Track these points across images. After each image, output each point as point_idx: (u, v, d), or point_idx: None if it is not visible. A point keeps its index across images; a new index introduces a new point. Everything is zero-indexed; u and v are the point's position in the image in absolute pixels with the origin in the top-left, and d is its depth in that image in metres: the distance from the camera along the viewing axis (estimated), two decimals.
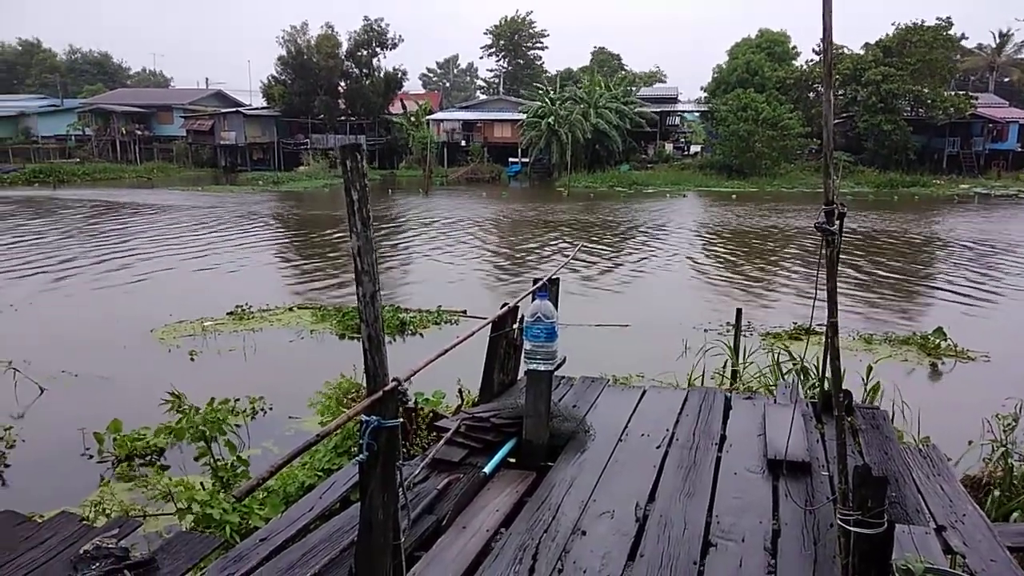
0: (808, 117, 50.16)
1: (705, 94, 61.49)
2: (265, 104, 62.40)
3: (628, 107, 53.90)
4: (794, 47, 57.66)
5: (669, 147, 58.80)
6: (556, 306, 5.05)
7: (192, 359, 10.63)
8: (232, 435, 6.40)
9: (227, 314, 13.03)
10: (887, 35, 51.66)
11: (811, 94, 53.62)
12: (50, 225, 27.22)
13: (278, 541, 3.87)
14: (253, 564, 3.64)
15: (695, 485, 4.50)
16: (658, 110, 57.68)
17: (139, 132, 62.37)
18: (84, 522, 4.33)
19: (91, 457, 7.32)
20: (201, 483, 5.76)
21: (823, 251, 3.35)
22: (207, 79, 78.28)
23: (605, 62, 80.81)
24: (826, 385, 5.73)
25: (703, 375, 8.69)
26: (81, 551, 3.74)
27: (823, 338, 3.91)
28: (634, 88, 58.60)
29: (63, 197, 38.63)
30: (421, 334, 12.04)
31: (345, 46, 60.03)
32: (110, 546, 3.74)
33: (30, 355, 9.96)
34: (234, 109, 61.95)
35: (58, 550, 3.91)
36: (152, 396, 8.02)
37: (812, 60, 55.35)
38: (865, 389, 7.62)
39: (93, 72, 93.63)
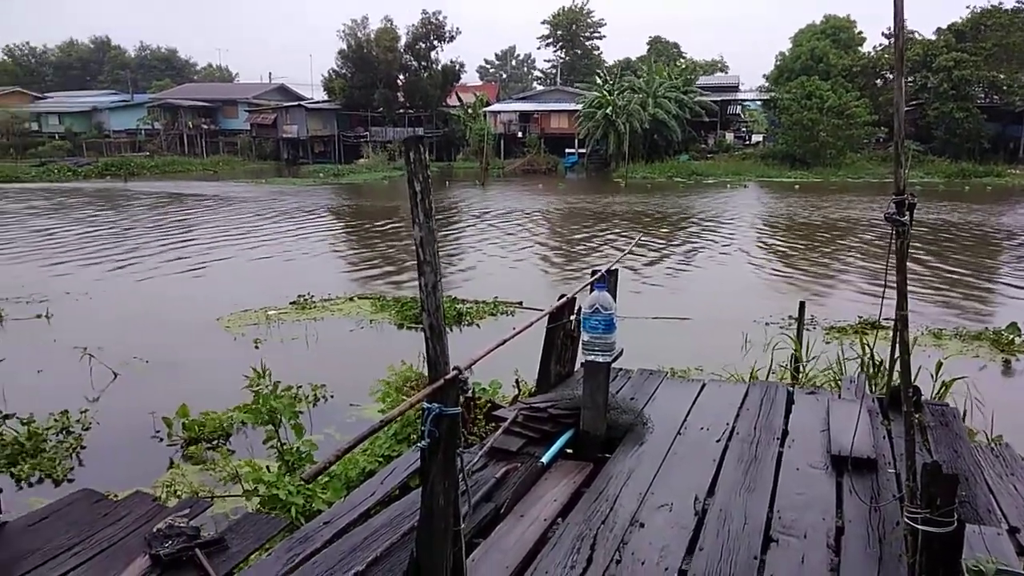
0: (875, 105, 48.64)
1: (767, 82, 60.17)
2: (326, 97, 63.49)
3: (688, 96, 53.14)
4: (860, 33, 55.97)
5: (730, 136, 57.77)
6: (614, 297, 5.03)
7: (256, 347, 10.91)
8: (293, 420, 6.56)
9: (290, 303, 13.34)
10: (961, 19, 49.71)
11: (879, 81, 52.00)
12: (121, 216, 28.25)
13: (341, 524, 3.97)
14: (318, 545, 3.74)
15: (756, 480, 4.44)
16: (718, 99, 56.75)
17: (205, 126, 64.16)
18: (157, 502, 4.51)
19: (161, 440, 7.59)
20: (267, 466, 5.93)
21: (893, 243, 3.26)
22: (270, 73, 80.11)
23: (663, 51, 79.67)
24: (894, 380, 5.58)
25: (767, 370, 8.53)
26: (155, 529, 3.90)
27: (890, 332, 3.81)
28: (694, 77, 57.71)
29: (133, 189, 40.02)
30: (477, 325, 12.12)
31: (404, 39, 60.60)
32: (182, 525, 3.89)
33: (103, 341, 10.36)
34: (296, 103, 63.20)
35: (133, 528, 4.08)
36: (218, 383, 8.33)
37: (880, 46, 53.69)
38: (934, 385, 7.38)
39: (161, 68, 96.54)
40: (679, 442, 5.02)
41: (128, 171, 50.00)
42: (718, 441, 5.01)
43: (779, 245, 21.46)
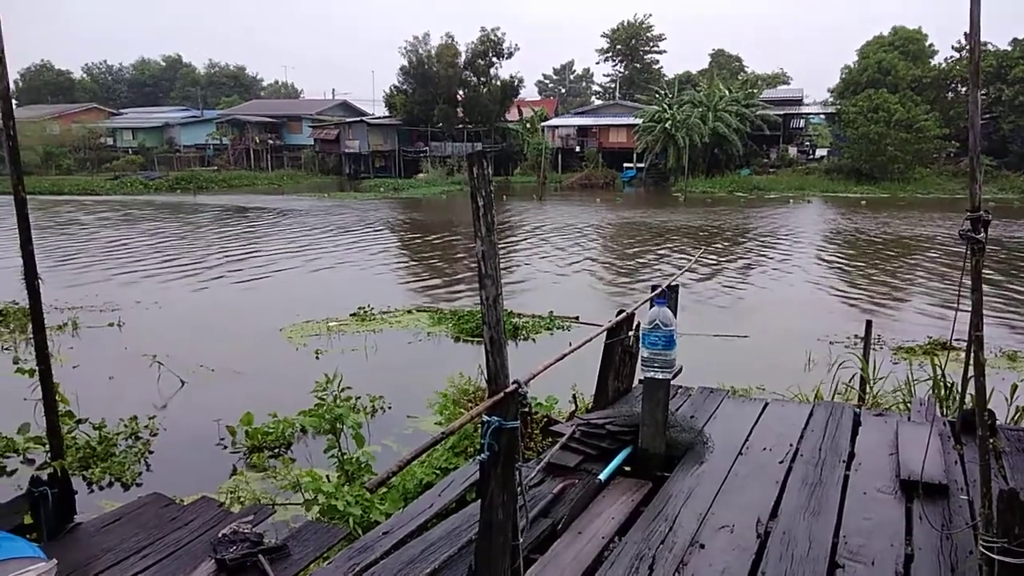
0: (946, 118, 47.17)
1: (832, 95, 58.92)
2: (387, 113, 64.62)
3: (749, 110, 52.41)
4: (931, 45, 54.39)
5: (793, 151, 56.70)
6: (675, 313, 4.98)
7: (317, 357, 11.11)
8: (354, 430, 6.65)
9: (350, 315, 13.56)
10: None
11: (950, 94, 50.43)
12: (189, 229, 29.20)
13: (400, 535, 4.00)
14: (377, 556, 3.78)
15: (821, 503, 4.32)
16: (781, 112, 55.81)
17: (271, 141, 65.98)
18: (222, 507, 4.62)
19: (225, 447, 7.78)
20: (327, 476, 6.02)
21: (967, 260, 3.16)
22: (334, 90, 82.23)
23: (725, 64, 78.81)
24: (967, 403, 5.38)
25: (832, 390, 8.31)
26: (220, 534, 3.99)
27: (962, 354, 3.67)
28: (756, 90, 56.92)
29: (201, 203, 41.33)
30: (533, 339, 12.11)
31: (464, 56, 61.34)
32: (246, 531, 3.98)
33: (171, 349, 10.68)
34: (358, 118, 64.51)
35: (199, 532, 4.19)
36: (281, 392, 8.51)
37: (951, 58, 52.06)
38: (1009, 409, 7.07)
39: (230, 85, 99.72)
40: (741, 462, 4.92)
41: (197, 185, 51.67)
42: (781, 462, 4.90)
43: (844, 262, 20.92)
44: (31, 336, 11.63)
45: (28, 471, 7.09)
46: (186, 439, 8.10)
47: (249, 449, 7.60)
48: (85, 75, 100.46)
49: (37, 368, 4.39)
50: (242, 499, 6.19)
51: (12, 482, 6.93)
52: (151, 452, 7.65)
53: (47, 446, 7.30)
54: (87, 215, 34.17)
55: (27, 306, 12.12)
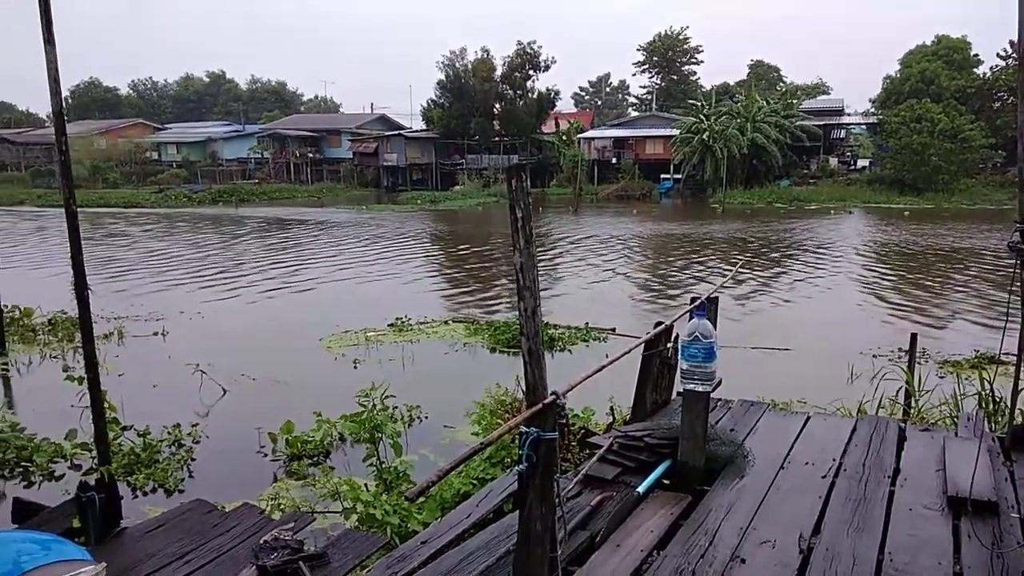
0: (992, 128, 46.10)
1: (873, 105, 58.03)
2: (424, 126, 65.23)
3: (789, 120, 51.84)
4: (976, 55, 53.25)
5: (833, 161, 55.92)
6: (714, 325, 4.93)
7: (355, 367, 11.21)
8: (392, 439, 6.69)
9: (388, 325, 13.67)
10: None
11: (996, 103, 49.30)
12: (231, 240, 29.74)
13: (438, 545, 4.02)
14: (415, 565, 3.79)
15: (865, 519, 4.23)
16: (821, 123, 55.12)
17: (311, 155, 66.98)
18: (263, 514, 4.68)
19: (265, 455, 7.87)
20: (365, 484, 6.06)
21: (1016, 273, 3.08)
22: (372, 104, 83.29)
23: (763, 75, 78.21)
24: (1017, 418, 5.24)
25: (876, 404, 8.14)
26: (261, 541, 4.05)
27: (1011, 368, 3.58)
28: (795, 101, 56.30)
29: (243, 215, 42.08)
30: (569, 350, 12.09)
31: (500, 69, 61.71)
32: (287, 538, 4.02)
33: (214, 358, 10.86)
34: (396, 132, 65.22)
35: (241, 538, 4.25)
36: (320, 401, 8.57)
37: (997, 67, 50.93)
38: None
39: (271, 100, 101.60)
40: (782, 477, 4.84)
41: (239, 198, 52.62)
42: (824, 477, 4.81)
43: (887, 274, 20.53)
44: (79, 345, 11.99)
45: (75, 476, 7.26)
46: (227, 447, 8.22)
47: (289, 457, 7.69)
48: (131, 91, 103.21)
49: (86, 376, 4.51)
50: (282, 506, 6.26)
51: (60, 487, 7.10)
52: (193, 459, 7.78)
53: (93, 452, 7.49)
54: (132, 227, 35.01)
55: (74, 315, 12.47)
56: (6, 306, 12.61)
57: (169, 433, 8.18)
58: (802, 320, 14.87)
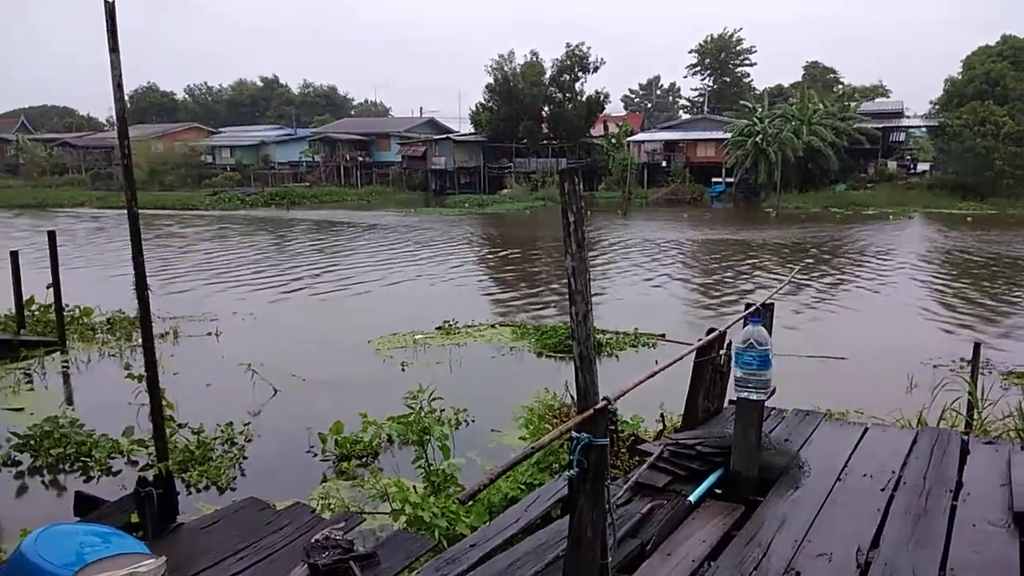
0: None
1: (935, 108, 56.37)
2: (472, 130, 65.51)
3: (845, 123, 50.67)
4: None
5: (892, 165, 54.43)
6: (770, 332, 4.82)
7: (403, 369, 11.29)
8: (441, 442, 6.72)
9: (436, 328, 13.75)
10: None
11: None
12: (283, 242, 30.29)
13: (487, 548, 4.00)
14: (464, 568, 3.79)
15: (925, 534, 4.09)
16: (880, 126, 53.73)
17: (360, 158, 67.82)
18: (314, 514, 4.73)
19: (315, 455, 7.97)
20: (414, 486, 6.09)
21: None
22: (421, 108, 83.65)
23: (819, 77, 76.61)
24: None
25: (938, 416, 7.88)
26: (313, 540, 4.09)
27: None
28: (852, 103, 55.02)
29: (294, 217, 42.83)
30: (617, 356, 12.00)
31: (549, 72, 61.67)
32: (338, 538, 4.06)
33: (265, 358, 11.05)
34: (445, 136, 65.65)
35: (293, 537, 4.31)
36: (369, 402, 8.66)
37: None
38: None
39: (322, 104, 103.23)
40: (839, 489, 4.71)
41: (290, 200, 53.56)
42: (883, 490, 4.66)
43: (948, 281, 19.90)
44: (136, 344, 12.32)
45: (131, 472, 7.46)
46: (278, 446, 8.35)
47: (338, 457, 7.77)
48: (187, 96, 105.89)
49: (145, 374, 4.61)
50: (332, 506, 6.32)
51: (117, 482, 7.29)
52: (245, 457, 7.91)
53: (149, 448, 7.69)
54: (187, 229, 35.91)
55: (132, 315, 12.79)
56: (67, 305, 13.01)
57: (222, 431, 8.33)
58: (859, 328, 14.51)
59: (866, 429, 5.83)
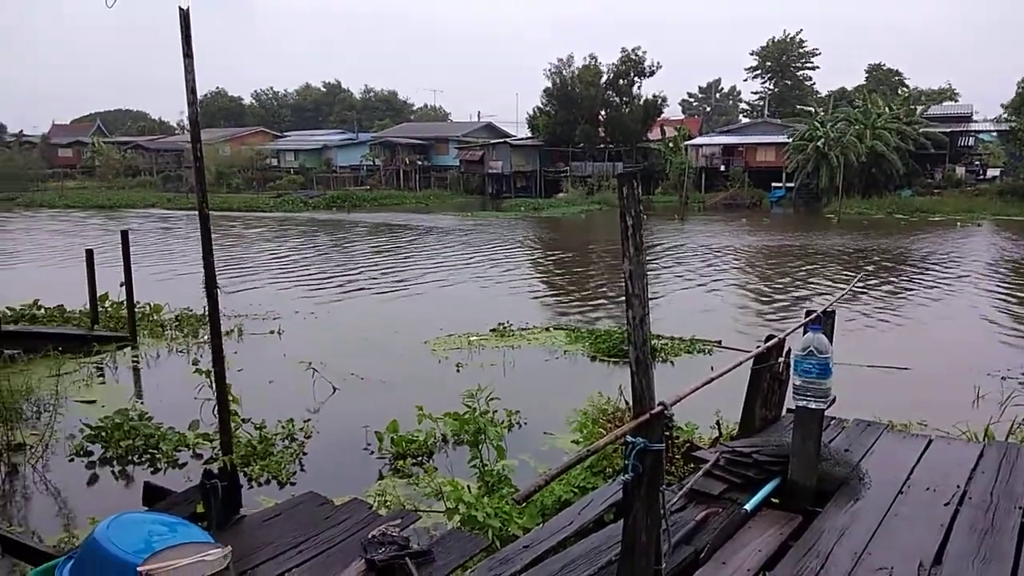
0: None
1: (1006, 111, 54.30)
2: (529, 134, 65.71)
3: (911, 127, 49.20)
4: None
5: (960, 171, 52.62)
6: (830, 340, 4.75)
7: (458, 370, 11.40)
8: (495, 442, 6.78)
9: (490, 331, 13.83)
10: None
11: None
12: (343, 244, 30.85)
13: (540, 550, 4.04)
14: (517, 568, 3.83)
15: (992, 551, 3.97)
16: (947, 130, 52.00)
17: (419, 162, 68.67)
18: (372, 510, 4.84)
19: (372, 453, 8.12)
20: (467, 486, 6.16)
21: None
22: (479, 112, 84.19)
23: (883, 79, 74.56)
24: None
25: (1007, 430, 7.61)
26: (370, 536, 4.18)
27: None
28: (919, 107, 53.40)
29: (354, 220, 43.55)
30: (672, 362, 11.89)
31: (606, 76, 61.47)
32: (394, 534, 4.14)
33: (325, 357, 11.28)
34: (502, 140, 65.97)
35: (351, 532, 4.41)
36: (425, 402, 8.77)
37: None
38: None
39: (383, 109, 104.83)
40: (901, 502, 4.61)
41: (351, 203, 54.48)
42: (947, 504, 4.54)
43: (1017, 292, 19.16)
44: (202, 340, 12.72)
45: (196, 464, 7.72)
46: (336, 442, 8.52)
47: (394, 455, 7.90)
48: (253, 101, 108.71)
49: (212, 370, 4.78)
50: (388, 503, 6.43)
51: (182, 474, 7.55)
52: (305, 453, 8.09)
53: (214, 442, 7.94)
54: (251, 230, 36.85)
55: (199, 313, 13.20)
56: (138, 302, 13.50)
57: (283, 427, 8.54)
58: (922, 338, 14.09)
59: (930, 441, 5.69)
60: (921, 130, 49.58)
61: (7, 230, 37.27)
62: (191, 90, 4.40)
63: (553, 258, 26.96)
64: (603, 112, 62.10)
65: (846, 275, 21.11)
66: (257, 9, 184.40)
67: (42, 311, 13.89)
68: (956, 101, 70.28)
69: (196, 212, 4.61)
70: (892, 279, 20.96)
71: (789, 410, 5.24)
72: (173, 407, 9.07)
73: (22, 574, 5.01)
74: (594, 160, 61.03)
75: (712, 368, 3.81)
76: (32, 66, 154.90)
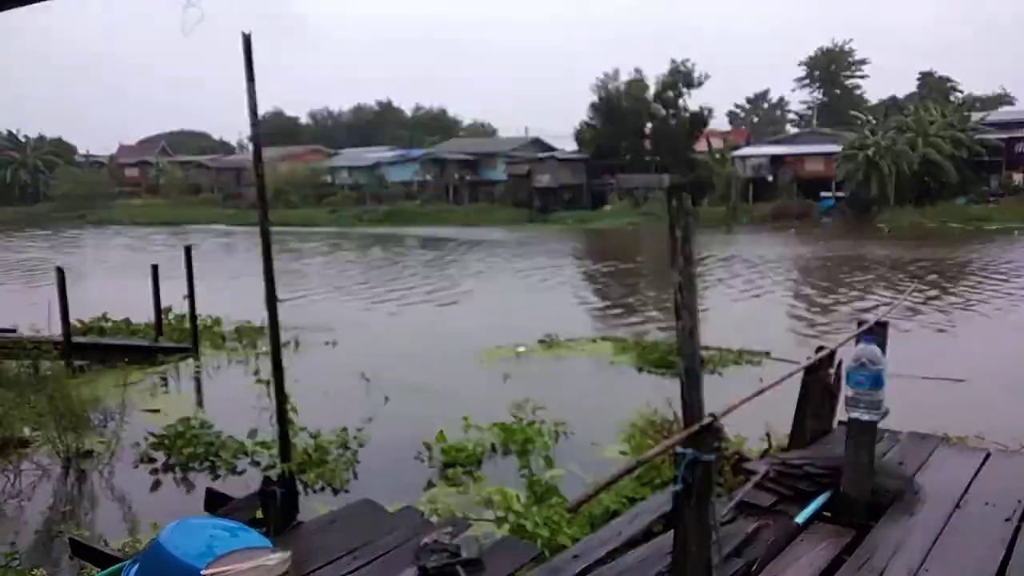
0: None
1: None
2: (576, 148, 65.85)
3: (965, 134, 47.90)
4: None
5: (1018, 178, 50.93)
6: (883, 352, 4.70)
7: (505, 381, 11.48)
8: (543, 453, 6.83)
9: (538, 341, 13.89)
10: None
11: None
12: (394, 257, 31.33)
13: (589, 560, 4.08)
14: None
15: None
16: (1004, 136, 50.46)
17: (468, 177, 69.35)
18: (424, 518, 4.93)
19: (422, 461, 8.22)
20: (516, 495, 6.22)
21: None
22: (526, 128, 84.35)
23: (935, 87, 72.81)
24: None
25: None
26: (422, 543, 4.27)
27: None
28: (973, 113, 51.99)
29: (406, 234, 44.15)
30: (719, 373, 11.80)
31: (653, 89, 61.33)
32: (446, 542, 4.23)
33: (378, 368, 11.50)
34: (549, 154, 66.21)
35: (404, 539, 4.51)
36: (473, 412, 8.88)
37: None
38: None
39: (433, 126, 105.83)
40: (958, 517, 4.53)
41: (402, 218, 55.29)
42: (1008, 520, 4.45)
43: None
44: (260, 351, 13.04)
45: (254, 471, 7.93)
46: (388, 451, 8.64)
47: (444, 464, 7.99)
48: (309, 119, 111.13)
49: (272, 380, 4.94)
50: (439, 511, 6.52)
51: (241, 481, 7.75)
52: (358, 461, 8.23)
53: (271, 450, 8.14)
54: (307, 245, 37.62)
55: (257, 324, 13.49)
56: (200, 315, 13.91)
57: (337, 436, 8.69)
58: (978, 350, 13.69)
59: (988, 455, 5.57)
60: (976, 137, 48.26)
61: (78, 246, 38.75)
62: (253, 112, 4.58)
63: (600, 270, 26.94)
64: (649, 125, 61.88)
65: (899, 286, 20.64)
66: (314, 33, 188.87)
67: (110, 324, 14.47)
68: (1013, 106, 68.25)
69: (255, 228, 4.79)
70: (946, 290, 20.43)
71: (841, 422, 5.19)
72: (232, 416, 9.30)
73: None
74: (640, 173, 60.81)
75: (761, 380, 3.82)
76: (101, 89, 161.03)
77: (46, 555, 6.35)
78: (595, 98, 62.49)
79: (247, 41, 4.63)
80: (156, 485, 7.92)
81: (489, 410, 8.70)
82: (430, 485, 7.57)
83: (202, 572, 3.44)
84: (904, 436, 5.96)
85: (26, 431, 8.61)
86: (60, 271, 12.21)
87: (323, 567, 4.35)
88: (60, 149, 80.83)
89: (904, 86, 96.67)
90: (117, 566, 3.94)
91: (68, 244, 40.08)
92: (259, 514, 4.95)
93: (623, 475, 2.77)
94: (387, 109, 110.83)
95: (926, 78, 77.39)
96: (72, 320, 12.29)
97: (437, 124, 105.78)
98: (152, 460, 8.36)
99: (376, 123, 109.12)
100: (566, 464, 7.97)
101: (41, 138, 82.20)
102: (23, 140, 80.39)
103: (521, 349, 13.37)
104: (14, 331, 11.50)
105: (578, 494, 2.67)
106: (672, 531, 3.49)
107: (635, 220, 49.98)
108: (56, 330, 11.97)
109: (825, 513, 4.71)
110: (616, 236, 42.05)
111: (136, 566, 3.74)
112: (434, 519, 5.70)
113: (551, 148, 71.46)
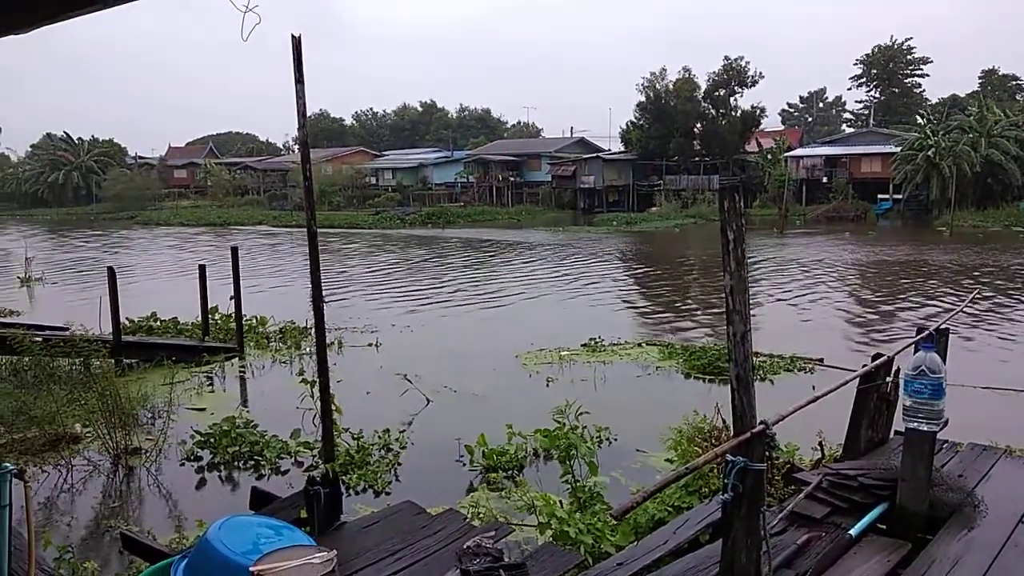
0: None
1: None
2: (622, 148, 65.39)
3: None
4: None
5: None
6: (944, 360, 4.51)
7: (548, 385, 11.41)
8: (587, 459, 6.74)
9: (581, 345, 13.78)
10: None
11: None
12: (438, 258, 31.46)
13: (634, 568, 3.99)
14: None
15: None
16: None
17: (512, 178, 69.37)
18: (466, 521, 4.90)
19: (464, 465, 8.21)
20: (559, 501, 6.15)
21: None
22: (572, 128, 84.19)
23: (999, 85, 70.52)
24: None
25: None
26: (465, 546, 4.24)
27: None
28: None
29: (449, 236, 44.35)
30: (771, 380, 11.53)
31: (703, 88, 60.61)
32: (488, 546, 4.18)
33: (420, 370, 11.52)
34: (594, 155, 65.92)
35: (446, 542, 4.48)
36: (515, 416, 8.83)
37: None
38: None
39: (477, 127, 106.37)
40: (1020, 532, 4.32)
41: (445, 219, 55.55)
42: None
43: None
44: (304, 352, 13.19)
45: (297, 471, 8.01)
46: (430, 453, 8.66)
47: (485, 468, 7.96)
48: (354, 121, 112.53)
49: (317, 380, 4.97)
50: (481, 515, 6.49)
51: (284, 480, 7.83)
52: (400, 463, 8.27)
53: (314, 450, 8.22)
54: (351, 245, 38.04)
55: (301, 325, 13.69)
56: (245, 315, 14.14)
57: (379, 438, 8.76)
58: None
59: None
60: None
61: (126, 247, 39.82)
62: (302, 114, 4.60)
63: (646, 273, 26.68)
64: (699, 124, 61.16)
65: (960, 292, 19.97)
66: (360, 35, 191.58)
67: (158, 323, 14.79)
68: None
69: (299, 229, 4.84)
70: (1011, 296, 19.71)
71: (898, 432, 5.00)
72: (276, 415, 9.43)
73: (137, 570, 5.31)
74: (689, 173, 60.12)
75: (814, 387, 3.69)
76: (151, 93, 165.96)
77: (96, 549, 6.51)
78: (642, 98, 62.00)
79: (297, 43, 4.66)
80: (202, 483, 8.05)
81: (531, 414, 8.64)
82: (471, 489, 7.55)
83: (251, 569, 3.46)
84: (964, 447, 5.73)
85: (77, 427, 8.85)
86: (111, 271, 12.52)
87: (366, 568, 4.34)
88: (112, 151, 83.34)
89: (965, 85, 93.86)
90: (166, 561, 3.99)
91: (119, 244, 41.23)
92: (303, 513, 4.97)
93: (671, 482, 2.69)
94: (431, 110, 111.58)
95: (989, 76, 75.03)
96: (122, 319, 12.59)
97: (481, 125, 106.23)
98: (198, 458, 8.51)
99: (420, 124, 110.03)
100: (610, 471, 7.87)
101: (94, 140, 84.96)
102: (77, 142, 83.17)
103: (564, 353, 13.28)
104: (67, 330, 11.81)
105: (624, 501, 2.60)
106: (720, 540, 3.39)
107: (683, 222, 49.43)
108: (107, 328, 12.26)
109: (880, 526, 4.54)
110: (663, 238, 41.62)
111: (185, 561, 3.79)
112: (476, 523, 5.67)
113: (597, 148, 71.21)
